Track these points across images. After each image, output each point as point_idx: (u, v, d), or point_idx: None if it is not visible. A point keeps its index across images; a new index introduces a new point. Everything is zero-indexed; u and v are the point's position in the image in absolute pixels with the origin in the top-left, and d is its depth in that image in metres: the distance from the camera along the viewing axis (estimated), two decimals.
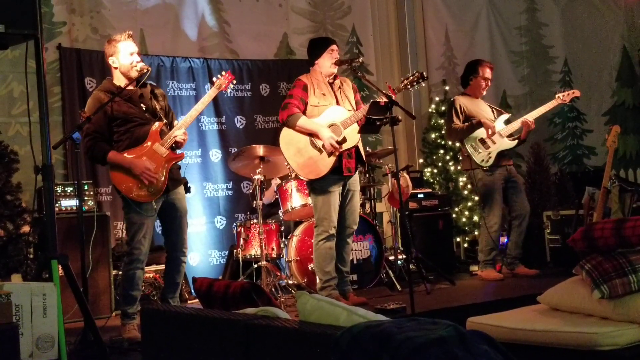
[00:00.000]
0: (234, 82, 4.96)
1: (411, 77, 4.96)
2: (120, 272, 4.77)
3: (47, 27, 6.19)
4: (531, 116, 5.96)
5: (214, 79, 4.96)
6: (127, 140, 4.54)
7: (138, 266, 4.53)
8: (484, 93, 6.25)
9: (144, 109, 4.62)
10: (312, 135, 4.87)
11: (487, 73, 6.17)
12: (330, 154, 4.83)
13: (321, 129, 4.83)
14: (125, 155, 4.49)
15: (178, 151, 4.71)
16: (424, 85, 5.11)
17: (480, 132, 5.99)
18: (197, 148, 6.91)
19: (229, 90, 5.02)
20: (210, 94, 4.85)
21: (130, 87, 4.60)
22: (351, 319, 1.97)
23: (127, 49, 4.59)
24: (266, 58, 7.51)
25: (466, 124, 6.01)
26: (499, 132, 5.96)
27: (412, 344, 1.65)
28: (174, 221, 4.67)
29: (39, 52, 3.65)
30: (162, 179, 4.52)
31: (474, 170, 6.01)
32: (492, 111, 6.22)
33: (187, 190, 4.80)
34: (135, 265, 4.51)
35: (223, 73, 4.94)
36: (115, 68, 4.64)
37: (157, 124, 4.60)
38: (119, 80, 4.63)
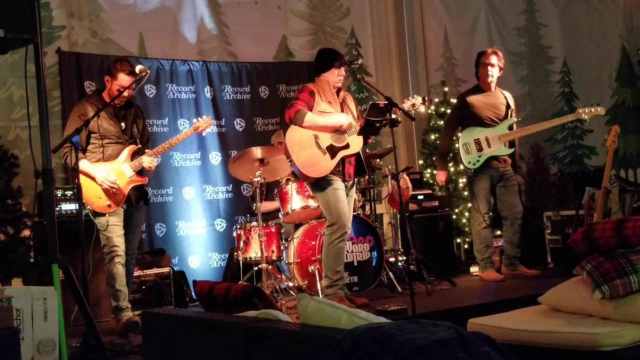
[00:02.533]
0: (212, 127, 5.37)
1: (413, 100, 5.00)
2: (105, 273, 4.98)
3: (46, 31, 6.18)
4: (522, 131, 6.01)
5: (194, 120, 5.37)
6: (100, 154, 4.86)
7: (118, 261, 4.83)
8: (491, 80, 6.07)
9: (123, 128, 4.90)
10: (320, 131, 4.91)
11: (489, 59, 6.05)
12: (347, 132, 4.92)
13: (331, 118, 4.91)
14: (93, 166, 4.82)
15: (147, 174, 5.09)
16: (422, 111, 5.17)
17: (478, 132, 5.97)
18: (196, 151, 6.91)
19: (204, 133, 5.55)
20: (187, 132, 5.23)
21: (117, 101, 4.84)
22: (352, 321, 1.97)
23: (121, 83, 4.79)
24: (265, 60, 7.50)
25: (440, 152, 6.30)
26: (498, 136, 5.93)
27: (414, 346, 1.65)
28: (128, 229, 4.98)
29: (38, 56, 3.65)
30: (121, 196, 4.85)
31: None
32: (507, 107, 6.08)
33: (146, 202, 5.15)
34: (115, 262, 4.82)
35: (204, 117, 5.34)
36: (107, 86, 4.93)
37: (131, 146, 4.91)
38: (105, 94, 4.92)
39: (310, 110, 4.94)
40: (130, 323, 4.67)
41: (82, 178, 4.70)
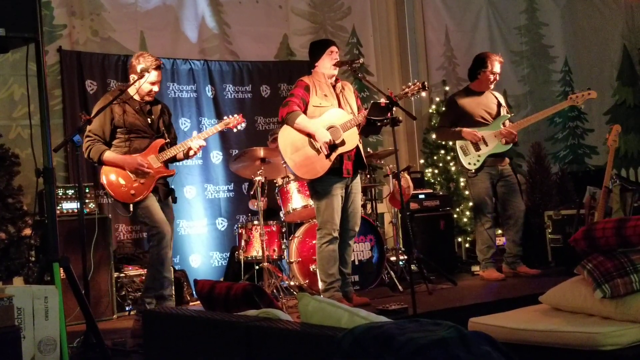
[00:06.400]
0: (243, 125, 5.22)
1: (412, 87, 4.93)
2: (149, 259, 4.83)
3: (47, 30, 6.18)
4: (520, 124, 5.94)
5: (225, 117, 5.26)
6: (127, 148, 4.74)
7: (167, 244, 4.69)
8: (492, 87, 6.12)
9: (149, 122, 4.80)
10: (309, 135, 4.87)
11: (497, 67, 6.04)
12: (327, 156, 4.84)
13: (318, 130, 4.82)
14: (120, 155, 4.70)
15: (184, 161, 5.04)
16: (424, 95, 5.09)
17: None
18: None
19: (234, 130, 5.39)
20: (216, 127, 5.14)
21: (149, 98, 4.79)
22: (353, 320, 1.97)
23: (151, 79, 4.73)
24: (266, 59, 7.51)
25: (451, 130, 6.01)
26: (493, 134, 5.93)
27: (414, 345, 1.65)
28: None
29: (39, 55, 3.66)
30: (147, 186, 4.71)
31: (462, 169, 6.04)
32: (499, 105, 6.10)
33: (174, 200, 4.99)
34: (163, 245, 4.67)
35: (235, 115, 5.22)
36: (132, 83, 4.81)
37: (158, 140, 4.83)
38: (132, 90, 4.79)
39: (306, 105, 4.91)
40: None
41: (106, 167, 4.69)
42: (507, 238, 6.16)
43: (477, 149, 5.93)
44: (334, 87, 5.05)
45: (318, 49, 5.08)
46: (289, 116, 4.84)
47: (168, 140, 4.87)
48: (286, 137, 4.89)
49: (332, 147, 4.83)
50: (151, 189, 4.72)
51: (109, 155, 4.67)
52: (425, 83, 4.97)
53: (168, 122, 4.99)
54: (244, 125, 5.24)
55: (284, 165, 5.08)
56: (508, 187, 6.04)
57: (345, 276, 5.08)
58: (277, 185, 5.86)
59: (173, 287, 4.79)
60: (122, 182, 4.67)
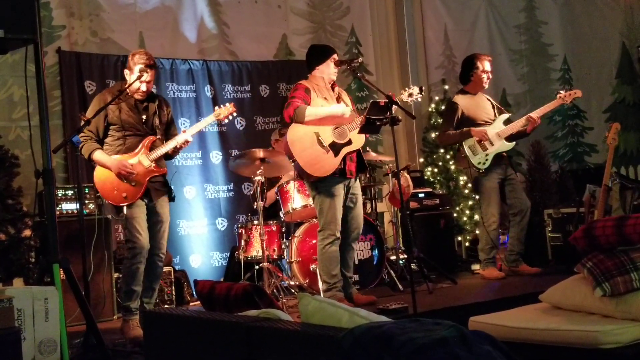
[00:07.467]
0: (234, 114, 5.15)
1: (410, 91, 4.98)
2: (122, 269, 4.87)
3: (46, 31, 6.18)
4: (534, 114, 5.95)
5: (216, 107, 5.18)
6: (120, 146, 4.74)
7: (140, 260, 4.67)
8: (486, 86, 6.17)
9: (143, 119, 4.78)
10: (322, 124, 4.85)
11: (487, 65, 6.09)
12: (348, 126, 4.86)
13: (331, 108, 4.86)
14: (110, 156, 4.70)
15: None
16: (419, 100, 5.14)
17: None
18: (197, 150, 6.91)
19: (225, 121, 5.30)
20: (207, 120, 5.09)
21: (139, 97, 4.76)
22: (353, 320, 1.97)
23: (142, 78, 4.70)
24: (265, 59, 7.51)
25: (457, 131, 6.01)
26: (497, 134, 5.94)
27: (415, 345, 1.65)
28: (153, 226, 4.82)
29: (38, 56, 3.66)
30: (139, 187, 4.70)
31: (471, 169, 6.02)
32: (493, 107, 6.16)
33: (172, 199, 4.96)
34: (137, 260, 4.66)
35: (227, 104, 5.13)
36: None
37: (150, 137, 4.79)
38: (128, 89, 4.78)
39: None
40: (139, 341, 4.37)
41: (98, 171, 4.70)
42: (511, 235, 6.15)
43: (484, 148, 5.95)
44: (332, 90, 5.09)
45: (322, 54, 5.08)
46: (297, 112, 4.84)
47: (159, 136, 4.83)
48: (294, 134, 4.90)
49: (339, 146, 4.85)
50: (143, 191, 4.70)
51: (98, 155, 4.66)
52: (422, 87, 5.04)
53: (167, 118, 4.96)
54: (235, 114, 5.18)
55: (293, 163, 5.08)
56: (513, 185, 6.08)
57: (347, 279, 5.08)
58: (277, 184, 5.87)
59: (156, 294, 4.86)
60: (113, 185, 4.66)
